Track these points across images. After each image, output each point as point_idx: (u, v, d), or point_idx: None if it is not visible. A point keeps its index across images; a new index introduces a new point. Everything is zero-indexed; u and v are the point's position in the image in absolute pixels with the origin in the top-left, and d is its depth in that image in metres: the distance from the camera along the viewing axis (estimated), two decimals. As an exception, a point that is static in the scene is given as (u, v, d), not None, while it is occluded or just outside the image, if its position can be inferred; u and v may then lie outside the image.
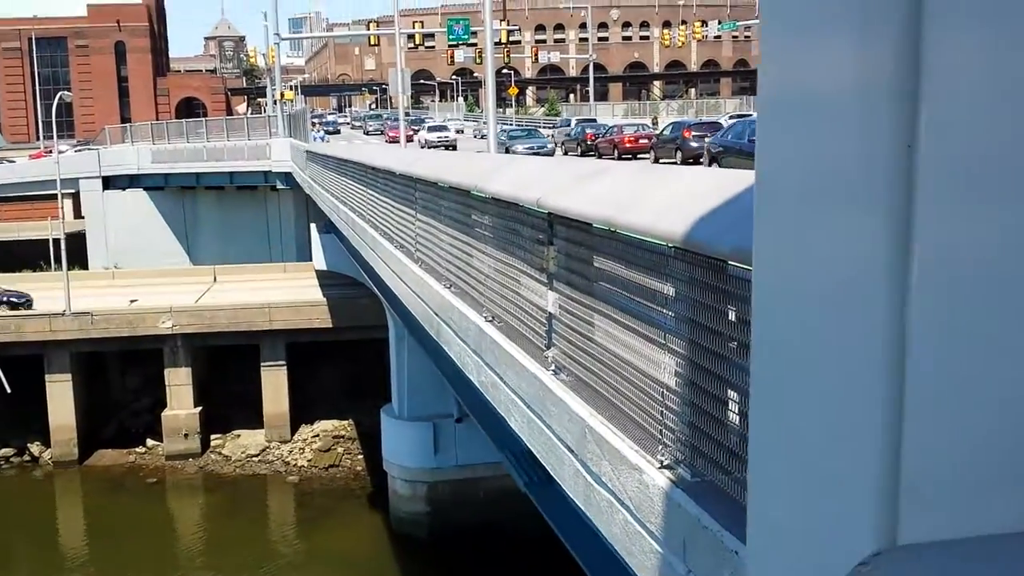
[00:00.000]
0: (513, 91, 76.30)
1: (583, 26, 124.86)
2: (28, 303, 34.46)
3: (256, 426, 33.97)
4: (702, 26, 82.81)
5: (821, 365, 1.66)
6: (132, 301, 35.14)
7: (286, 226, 49.07)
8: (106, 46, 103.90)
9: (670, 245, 4.67)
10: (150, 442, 33.94)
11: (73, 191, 52.97)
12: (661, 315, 4.91)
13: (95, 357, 34.14)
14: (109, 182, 52.75)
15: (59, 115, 45.92)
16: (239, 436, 34.14)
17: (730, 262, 4.03)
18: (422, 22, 79.69)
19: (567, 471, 6.19)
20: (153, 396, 34.18)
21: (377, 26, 70.11)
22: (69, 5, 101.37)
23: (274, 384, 33.73)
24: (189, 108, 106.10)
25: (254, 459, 33.20)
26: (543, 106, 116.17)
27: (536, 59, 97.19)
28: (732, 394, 4.15)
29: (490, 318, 8.39)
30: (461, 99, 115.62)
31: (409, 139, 55.94)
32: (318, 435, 33.78)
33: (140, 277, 40.96)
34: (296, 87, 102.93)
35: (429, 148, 45.88)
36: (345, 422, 33.99)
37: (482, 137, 46.20)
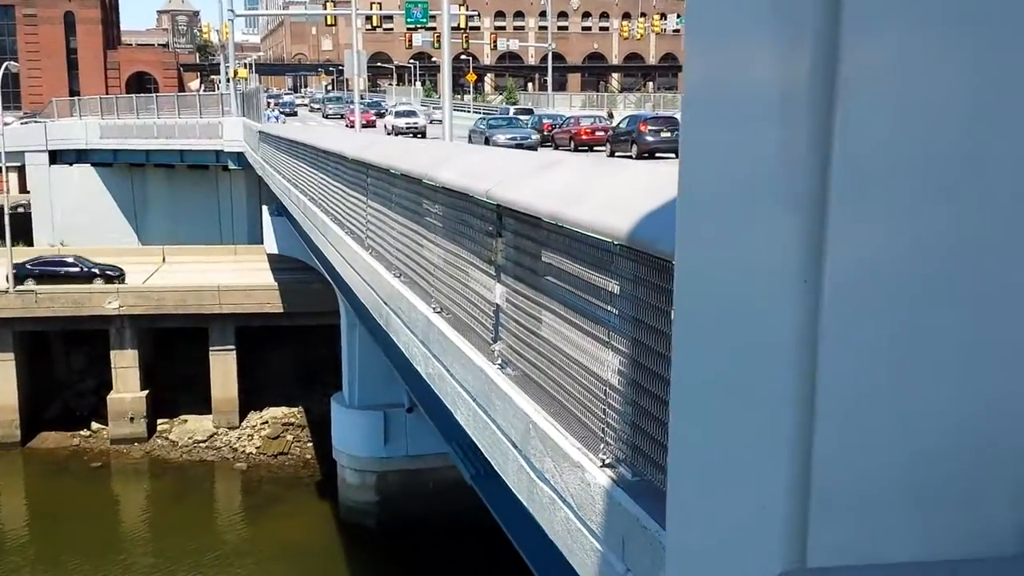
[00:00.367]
0: (471, 77, 76.06)
1: (543, 14, 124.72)
2: (122, 277, 34.59)
3: (204, 411, 33.58)
4: (661, 19, 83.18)
5: (733, 372, 1.66)
6: (78, 280, 34.47)
7: (237, 208, 48.40)
8: (55, 16, 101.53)
9: (615, 242, 4.63)
10: (95, 425, 33.41)
11: (18, 164, 51.76)
12: (606, 312, 4.88)
13: (38, 336, 33.49)
14: (56, 156, 51.60)
15: (5, 86, 44.87)
16: (186, 421, 33.73)
17: (674, 261, 4.00)
18: (380, 3, 78.88)
19: (511, 466, 6.16)
20: (98, 378, 33.63)
21: (334, 6, 69.37)
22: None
23: (223, 369, 33.34)
24: (140, 83, 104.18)
25: (201, 445, 32.82)
26: (501, 94, 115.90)
27: (495, 46, 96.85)
28: (674, 395, 4.12)
29: (439, 309, 8.32)
30: (419, 84, 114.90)
31: (372, 124, 54.80)
32: (267, 422, 33.48)
33: (87, 255, 40.19)
34: (250, 65, 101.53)
35: (396, 135, 42.82)
36: (295, 409, 33.72)
37: (438, 122, 44.25)
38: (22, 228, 48.80)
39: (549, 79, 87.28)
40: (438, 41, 56.62)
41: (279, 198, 27.61)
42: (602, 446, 4.88)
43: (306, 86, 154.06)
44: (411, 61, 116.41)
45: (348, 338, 25.13)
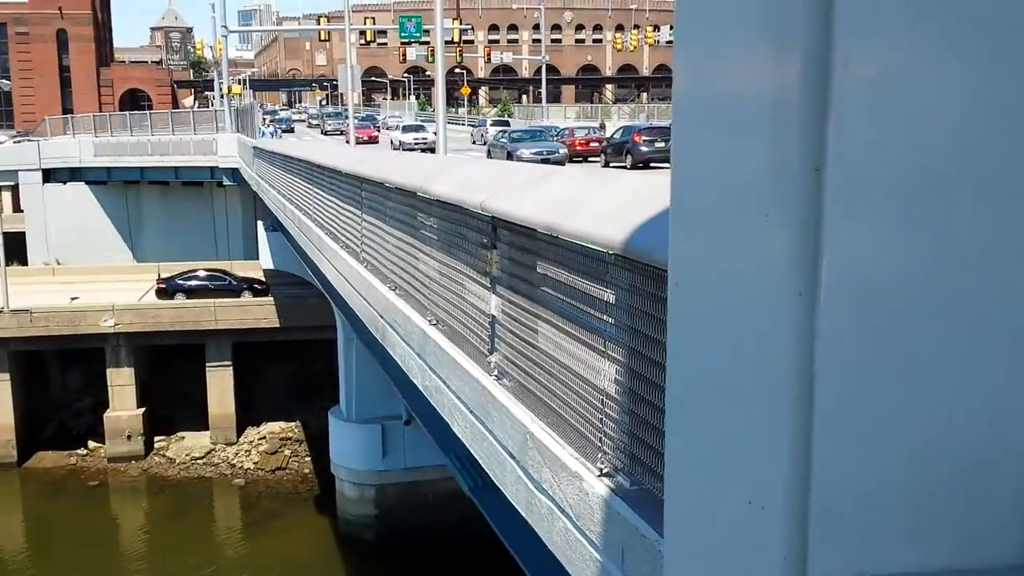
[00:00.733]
0: (465, 91, 76.15)
1: (536, 27, 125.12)
2: (267, 290, 35.13)
3: (201, 428, 33.48)
4: (654, 31, 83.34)
5: (729, 381, 1.65)
6: (73, 298, 34.45)
7: (233, 223, 48.39)
8: (48, 34, 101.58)
9: (611, 252, 4.63)
10: (92, 444, 33.29)
11: (11, 184, 51.73)
12: (602, 322, 4.88)
13: (34, 356, 33.39)
14: (49, 175, 51.57)
15: (-1, 108, 44.82)
16: (183, 438, 33.62)
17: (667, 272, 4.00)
18: (374, 18, 79.04)
19: (509, 477, 6.15)
20: (95, 396, 33.52)
21: (328, 21, 69.48)
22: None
23: (219, 385, 33.26)
24: (134, 100, 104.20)
25: (199, 461, 32.71)
26: (496, 106, 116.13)
27: (489, 59, 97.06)
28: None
29: (434, 321, 8.31)
30: (413, 97, 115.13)
31: (374, 140, 54.21)
32: (264, 437, 33.38)
33: (82, 274, 40.18)
34: (244, 81, 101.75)
35: (404, 151, 40.89)
36: (292, 424, 33.63)
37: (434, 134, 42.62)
38: (15, 247, 48.78)
39: (543, 91, 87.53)
40: (432, 55, 56.60)
41: (274, 213, 27.62)
42: (600, 455, 4.87)
43: (300, 101, 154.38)
44: (405, 75, 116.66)
45: (345, 352, 25.10)
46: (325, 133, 67.18)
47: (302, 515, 28.50)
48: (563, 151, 34.92)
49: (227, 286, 35.37)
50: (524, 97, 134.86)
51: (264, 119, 66.17)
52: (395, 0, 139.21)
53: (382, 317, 10.34)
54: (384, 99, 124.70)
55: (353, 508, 25.77)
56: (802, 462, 1.47)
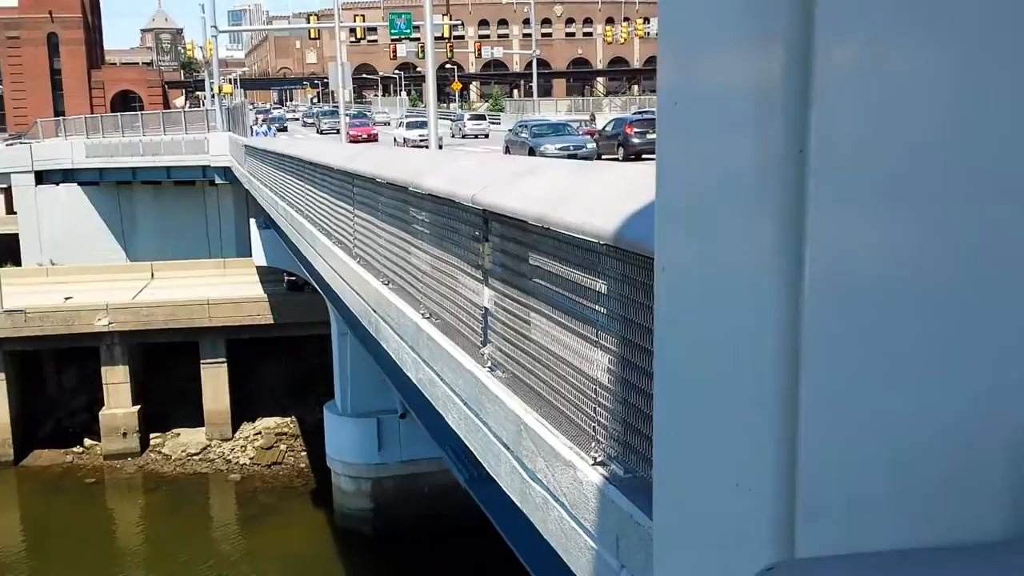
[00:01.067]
0: (456, 86, 76.15)
1: (526, 22, 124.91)
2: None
3: (196, 424, 33.48)
4: (644, 23, 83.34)
5: (716, 370, 1.65)
6: (67, 298, 34.37)
7: (225, 221, 48.34)
8: (38, 38, 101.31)
9: (602, 243, 4.68)
10: (88, 442, 33.27)
11: (5, 186, 51.62)
12: (594, 312, 4.93)
13: (29, 356, 33.36)
14: (42, 177, 51.48)
15: (-11, 108, 44.73)
16: (179, 435, 33.63)
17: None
18: (364, 16, 78.80)
19: (504, 468, 6.20)
20: (90, 395, 33.51)
21: (318, 19, 69.35)
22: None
23: (214, 382, 33.27)
24: (125, 101, 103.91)
25: (195, 458, 32.72)
26: (487, 101, 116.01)
27: (479, 54, 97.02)
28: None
29: (427, 315, 8.36)
30: (404, 94, 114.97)
31: (373, 138, 53.45)
32: (260, 432, 33.40)
33: (76, 274, 40.03)
34: (235, 80, 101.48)
35: (410, 147, 39.22)
36: (288, 419, 33.65)
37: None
38: (9, 249, 48.70)
39: (535, 85, 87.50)
40: (422, 51, 56.41)
41: (267, 211, 27.62)
42: (593, 444, 4.92)
43: (291, 99, 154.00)
44: (396, 72, 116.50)
45: (339, 346, 25.13)
46: (321, 132, 64.99)
47: (298, 509, 28.54)
48: (591, 145, 32.30)
49: None
50: (515, 91, 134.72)
51: (257, 118, 65.75)
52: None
53: (375, 311, 10.38)
54: (375, 96, 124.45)
55: (349, 502, 25.81)
56: (788, 444, 1.48)
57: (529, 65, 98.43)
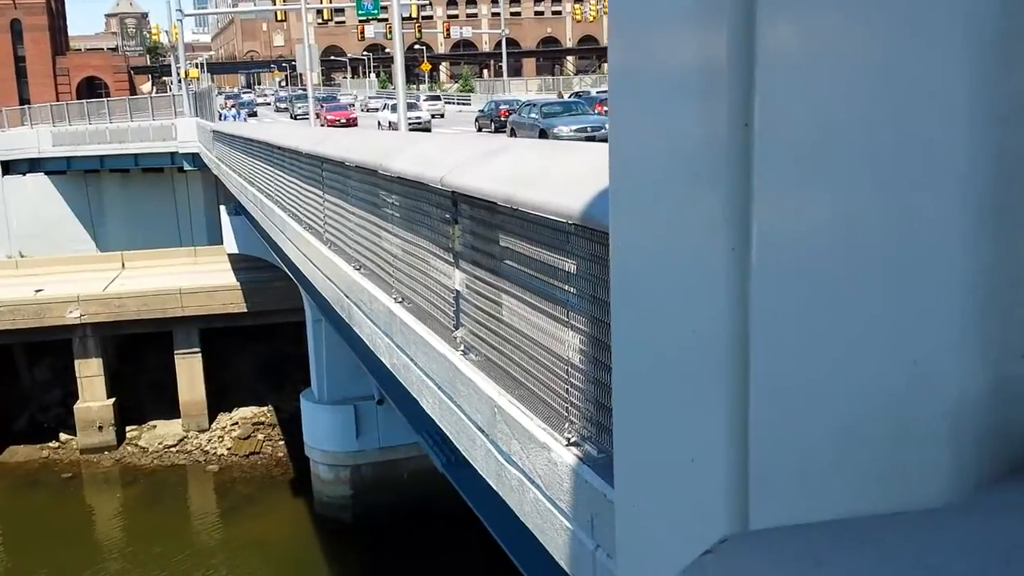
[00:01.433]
0: (425, 67, 75.75)
1: (495, 1, 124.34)
2: None
3: (172, 416, 33.27)
4: None
5: (668, 345, 1.69)
6: (37, 291, 33.96)
7: (195, 209, 47.89)
8: (2, 25, 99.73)
9: (570, 222, 4.64)
10: (63, 436, 33.00)
11: (-31, 178, 50.83)
12: (564, 292, 4.90)
13: (1, 350, 32.98)
14: (8, 167, 50.80)
15: (-50, 99, 44.00)
16: (155, 427, 33.41)
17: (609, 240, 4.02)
18: (331, -3, 78.16)
19: (479, 451, 6.17)
20: (64, 388, 33.20)
21: (284, 1, 68.61)
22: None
23: (189, 372, 33.04)
24: (91, 88, 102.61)
25: (172, 449, 32.53)
26: (456, 82, 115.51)
27: (448, 34, 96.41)
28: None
29: (400, 299, 8.30)
30: (373, 75, 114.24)
31: (353, 123, 52.84)
32: (237, 423, 33.24)
33: (45, 265, 39.57)
34: (202, 65, 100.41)
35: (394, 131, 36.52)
36: (264, 408, 33.51)
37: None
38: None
39: (504, 65, 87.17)
40: (390, 32, 55.93)
41: (236, 197, 27.37)
42: (567, 425, 4.90)
43: (259, 83, 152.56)
44: (364, 53, 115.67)
45: (314, 333, 25.01)
46: (295, 117, 61.92)
47: (278, 499, 28.47)
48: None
49: None
50: (485, 71, 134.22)
51: (226, 103, 64.96)
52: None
53: (348, 297, 10.31)
54: (344, 78, 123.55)
55: (328, 489, 25.78)
56: (740, 418, 1.51)
57: (498, 45, 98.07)
